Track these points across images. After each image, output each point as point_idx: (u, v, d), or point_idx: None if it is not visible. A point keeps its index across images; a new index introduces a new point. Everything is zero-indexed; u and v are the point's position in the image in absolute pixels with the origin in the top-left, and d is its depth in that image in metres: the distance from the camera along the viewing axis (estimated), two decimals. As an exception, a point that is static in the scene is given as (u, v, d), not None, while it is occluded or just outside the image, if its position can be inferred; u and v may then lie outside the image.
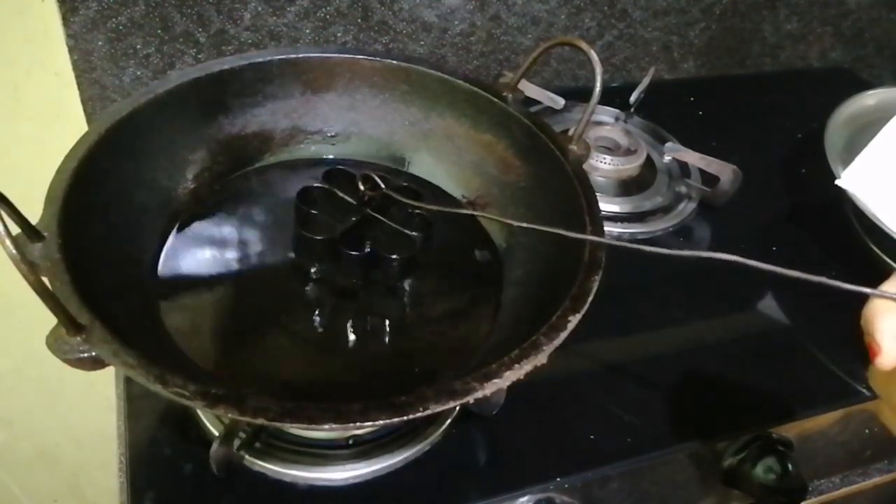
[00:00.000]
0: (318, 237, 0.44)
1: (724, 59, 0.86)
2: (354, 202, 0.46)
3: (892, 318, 0.28)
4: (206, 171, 0.48)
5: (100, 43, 0.58)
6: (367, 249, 0.44)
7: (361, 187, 0.46)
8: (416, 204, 0.45)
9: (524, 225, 0.38)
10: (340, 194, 0.46)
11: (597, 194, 0.43)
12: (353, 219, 0.45)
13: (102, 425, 0.80)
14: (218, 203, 0.48)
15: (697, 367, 0.52)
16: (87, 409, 0.79)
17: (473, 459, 0.45)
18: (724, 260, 0.29)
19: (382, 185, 0.46)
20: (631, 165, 0.67)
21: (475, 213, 0.42)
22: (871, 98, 0.72)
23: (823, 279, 0.27)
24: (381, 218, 0.46)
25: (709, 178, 0.67)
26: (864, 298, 0.28)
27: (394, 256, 0.44)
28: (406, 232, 0.45)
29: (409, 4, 0.66)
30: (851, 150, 0.63)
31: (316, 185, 0.47)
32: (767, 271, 0.28)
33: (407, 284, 0.46)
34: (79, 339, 0.30)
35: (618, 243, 0.33)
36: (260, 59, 0.48)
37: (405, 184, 0.48)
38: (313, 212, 0.46)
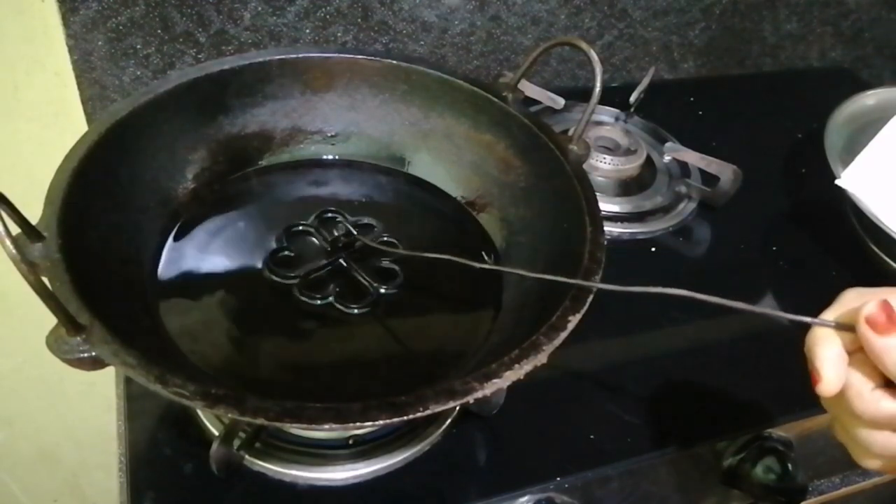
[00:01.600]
0: (287, 278, 0.44)
1: (724, 59, 0.86)
2: (328, 247, 0.47)
3: (830, 346, 0.29)
4: (206, 171, 0.48)
5: (100, 43, 0.58)
6: (327, 299, 0.44)
7: (336, 233, 0.47)
8: (389, 250, 0.46)
9: (487, 266, 0.37)
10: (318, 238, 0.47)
11: (597, 194, 0.43)
12: (322, 262, 0.46)
13: (102, 425, 0.80)
14: (218, 203, 0.48)
15: (697, 367, 0.52)
16: (87, 409, 0.79)
17: (473, 459, 0.45)
18: (675, 295, 0.31)
19: (354, 232, 0.47)
20: (631, 165, 0.67)
21: (450, 257, 0.39)
22: (871, 98, 0.72)
23: (766, 310, 0.30)
24: (352, 265, 0.46)
25: (709, 178, 0.67)
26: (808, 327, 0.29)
27: (355, 308, 0.44)
28: (366, 284, 0.45)
29: (409, 4, 0.66)
30: (851, 150, 0.63)
31: (301, 225, 0.48)
32: (715, 304, 0.30)
33: (408, 284, 0.46)
34: (79, 339, 0.30)
35: (572, 281, 0.35)
36: (260, 59, 0.48)
37: (384, 237, 0.48)
38: (287, 253, 0.46)
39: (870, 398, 0.28)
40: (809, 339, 0.29)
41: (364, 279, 0.45)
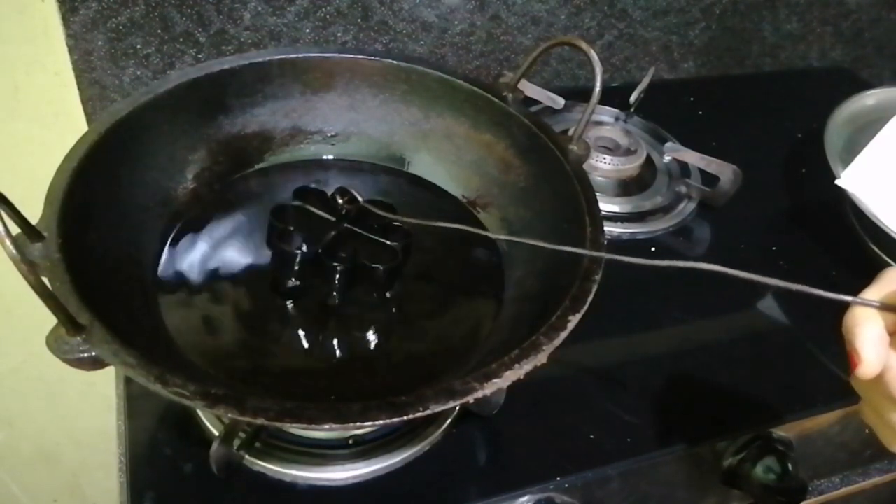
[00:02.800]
0: (297, 251, 0.43)
1: (724, 59, 0.86)
2: (332, 217, 0.46)
3: (871, 326, 0.27)
4: (206, 171, 0.48)
5: (100, 43, 0.58)
6: (349, 263, 0.43)
7: (339, 200, 0.46)
8: (392, 216, 0.45)
9: (501, 237, 0.37)
10: (316, 211, 0.46)
11: (597, 194, 0.43)
12: (332, 233, 0.45)
13: (102, 425, 0.80)
14: (218, 203, 0.48)
15: (697, 367, 0.52)
16: (87, 409, 0.79)
17: (473, 459, 0.45)
18: (707, 270, 0.28)
19: (359, 198, 0.46)
20: (631, 165, 0.67)
21: (452, 225, 0.39)
22: (871, 98, 0.72)
23: (804, 287, 0.27)
24: (360, 231, 0.45)
25: (709, 178, 0.67)
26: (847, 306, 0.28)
27: (376, 266, 0.43)
28: (386, 242, 0.44)
29: (409, 4, 0.66)
30: (851, 150, 0.63)
31: (291, 203, 0.46)
32: (747, 280, 0.28)
33: (408, 285, 0.46)
34: (79, 339, 0.30)
35: (599, 254, 0.34)
36: (260, 59, 0.48)
37: (380, 199, 0.47)
38: (290, 228, 0.45)
39: None
40: (849, 320, 0.28)
41: (366, 278, 0.45)
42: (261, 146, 0.51)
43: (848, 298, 0.28)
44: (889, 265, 0.60)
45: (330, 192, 0.47)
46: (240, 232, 0.47)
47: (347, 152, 0.53)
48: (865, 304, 0.28)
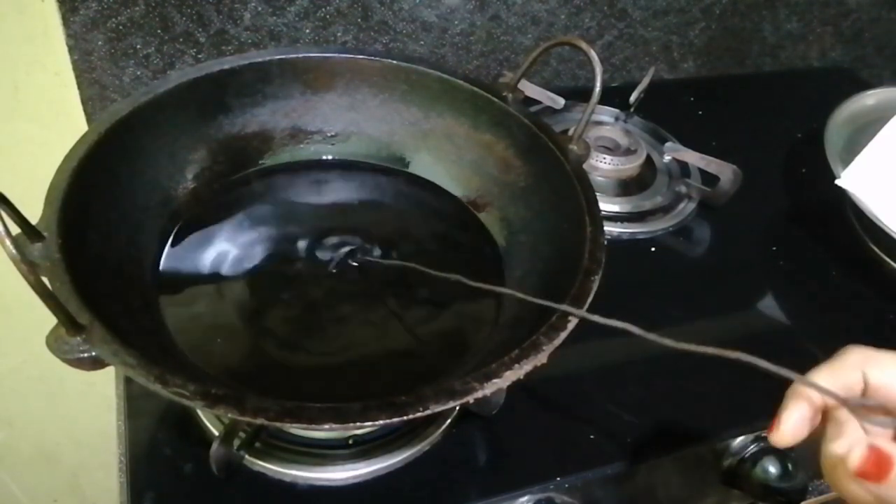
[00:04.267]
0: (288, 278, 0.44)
1: (724, 59, 0.86)
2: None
3: (804, 406, 0.29)
4: (206, 171, 0.48)
5: (100, 43, 0.58)
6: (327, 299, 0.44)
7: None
8: (395, 263, 0.45)
9: (478, 285, 0.37)
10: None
11: (597, 194, 0.43)
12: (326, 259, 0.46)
13: (102, 425, 0.80)
14: (218, 203, 0.48)
15: (697, 367, 0.52)
16: (87, 409, 0.79)
17: (473, 459, 0.45)
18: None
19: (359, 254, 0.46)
20: (631, 165, 0.67)
21: (461, 279, 0.39)
22: (871, 98, 0.72)
23: (741, 355, 0.29)
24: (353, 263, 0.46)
25: (709, 178, 0.67)
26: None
27: (355, 307, 0.44)
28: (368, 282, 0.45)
29: (409, 4, 0.66)
30: (851, 150, 0.63)
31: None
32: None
33: (408, 284, 0.46)
34: (79, 339, 0.30)
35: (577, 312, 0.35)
36: (260, 59, 0.48)
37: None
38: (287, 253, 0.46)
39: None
40: (790, 390, 0.30)
41: (365, 278, 0.45)
42: (261, 146, 0.51)
43: (794, 375, 0.28)
44: (889, 265, 0.61)
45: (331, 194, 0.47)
46: (240, 232, 0.47)
47: (347, 152, 0.53)
48: (808, 384, 0.28)
